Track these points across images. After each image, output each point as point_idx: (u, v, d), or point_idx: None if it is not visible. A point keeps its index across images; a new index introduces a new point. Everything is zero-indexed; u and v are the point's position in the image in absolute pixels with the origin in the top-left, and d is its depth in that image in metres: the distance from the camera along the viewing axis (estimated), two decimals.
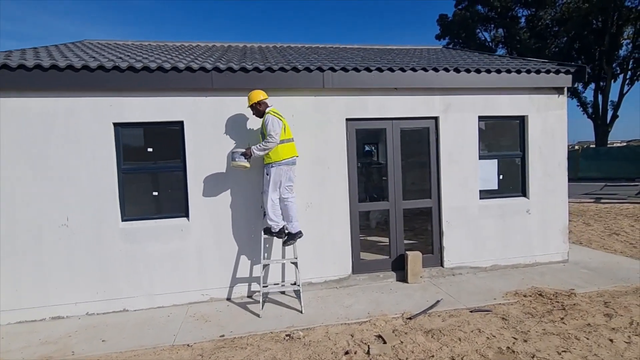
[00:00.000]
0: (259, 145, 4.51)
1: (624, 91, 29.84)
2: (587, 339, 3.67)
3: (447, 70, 5.42)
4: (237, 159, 4.60)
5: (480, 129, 5.84)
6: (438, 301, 4.72)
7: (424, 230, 6.42)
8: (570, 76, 5.81)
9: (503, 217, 5.87)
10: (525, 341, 3.68)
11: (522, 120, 5.94)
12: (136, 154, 4.98)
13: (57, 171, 4.61)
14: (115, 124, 4.78)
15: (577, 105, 34.47)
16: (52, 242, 4.63)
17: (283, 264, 5.24)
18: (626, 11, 28.26)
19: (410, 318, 4.33)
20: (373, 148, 9.58)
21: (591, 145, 30.26)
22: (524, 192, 6.01)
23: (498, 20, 37.95)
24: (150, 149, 4.98)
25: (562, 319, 4.13)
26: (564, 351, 3.47)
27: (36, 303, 4.61)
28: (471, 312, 4.44)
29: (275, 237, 4.93)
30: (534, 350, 3.49)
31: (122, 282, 4.82)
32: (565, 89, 5.97)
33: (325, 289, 5.34)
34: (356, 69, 5.17)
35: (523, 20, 36.36)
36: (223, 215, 5.04)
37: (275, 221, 4.71)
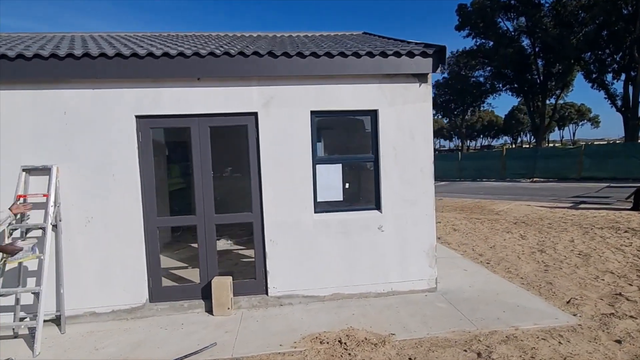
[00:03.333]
0: None
1: None
2: None
3: (258, 54, 4.36)
4: None
5: (321, 127, 4.76)
6: (206, 347, 3.73)
7: None
8: (430, 59, 4.60)
9: (347, 235, 4.77)
10: None
11: (373, 116, 4.79)
12: None
13: None
14: None
15: (605, 98, 31.71)
16: None
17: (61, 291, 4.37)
18: None
19: None
20: None
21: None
22: (377, 205, 4.87)
23: (520, 8, 35.44)
24: None
25: None
26: None
27: None
28: None
29: None
30: None
31: None
32: (430, 77, 4.76)
33: (113, 321, 4.46)
34: (136, 55, 4.22)
35: (547, 7, 33.79)
36: None
37: None
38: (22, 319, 4.21)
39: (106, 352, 3.77)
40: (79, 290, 4.41)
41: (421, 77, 4.74)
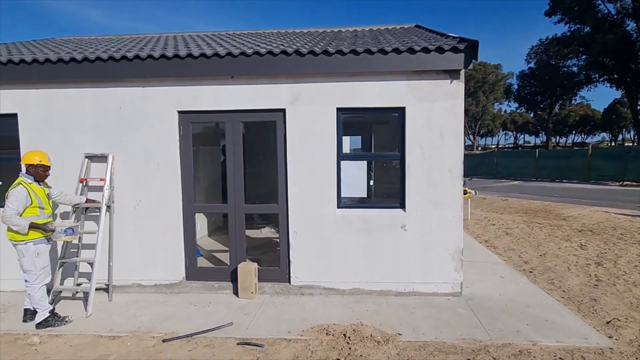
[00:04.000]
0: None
1: None
2: None
3: (286, 53, 4.54)
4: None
5: (348, 123, 4.83)
6: (223, 326, 4.07)
7: None
8: (462, 55, 4.39)
9: (369, 232, 4.79)
10: None
11: (400, 113, 4.72)
12: None
13: None
14: None
15: None
16: None
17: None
18: None
19: (166, 340, 3.82)
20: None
21: None
22: (402, 204, 4.81)
23: None
24: None
25: None
26: None
27: None
28: (239, 344, 3.74)
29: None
30: None
31: None
32: (462, 73, 4.55)
33: (155, 293, 5.03)
34: (178, 56, 4.64)
35: None
36: None
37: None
38: (79, 284, 4.94)
39: (141, 320, 4.29)
40: (128, 264, 5.03)
41: (452, 74, 4.55)
